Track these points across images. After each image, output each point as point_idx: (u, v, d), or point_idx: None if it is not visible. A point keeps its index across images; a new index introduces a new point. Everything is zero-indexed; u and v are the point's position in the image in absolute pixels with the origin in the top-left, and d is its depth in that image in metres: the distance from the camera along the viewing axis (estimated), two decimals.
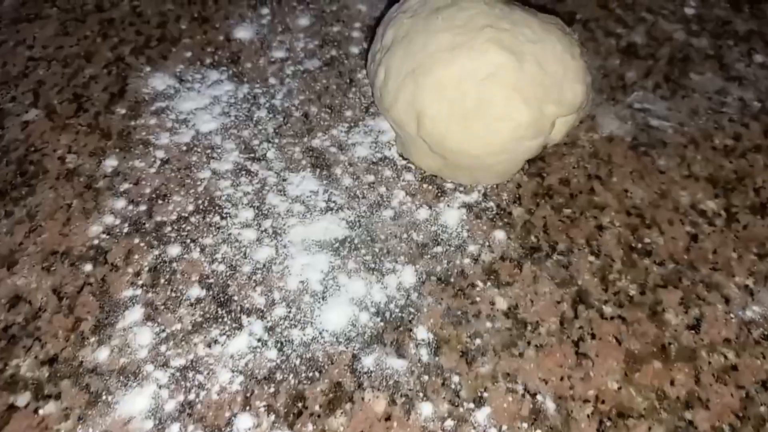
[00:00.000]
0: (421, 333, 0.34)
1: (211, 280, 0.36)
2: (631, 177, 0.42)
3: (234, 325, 0.34)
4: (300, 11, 0.53)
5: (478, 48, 0.37)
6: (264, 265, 0.37)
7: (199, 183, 0.41)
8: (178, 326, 0.34)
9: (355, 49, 0.50)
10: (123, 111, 0.45)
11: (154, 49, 0.49)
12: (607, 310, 0.36)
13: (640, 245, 0.39)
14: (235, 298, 0.36)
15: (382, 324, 0.35)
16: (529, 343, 0.34)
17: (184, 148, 0.43)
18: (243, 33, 0.50)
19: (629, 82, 0.48)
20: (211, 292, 0.36)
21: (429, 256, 0.38)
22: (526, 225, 0.39)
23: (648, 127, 0.45)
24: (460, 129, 0.37)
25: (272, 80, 0.47)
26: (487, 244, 0.38)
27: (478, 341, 0.34)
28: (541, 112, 0.37)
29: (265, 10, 0.53)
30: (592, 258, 0.38)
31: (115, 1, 0.54)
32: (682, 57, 0.50)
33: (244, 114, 0.45)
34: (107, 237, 0.38)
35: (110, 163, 0.42)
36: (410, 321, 0.35)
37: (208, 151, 0.42)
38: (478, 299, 0.36)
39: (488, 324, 0.35)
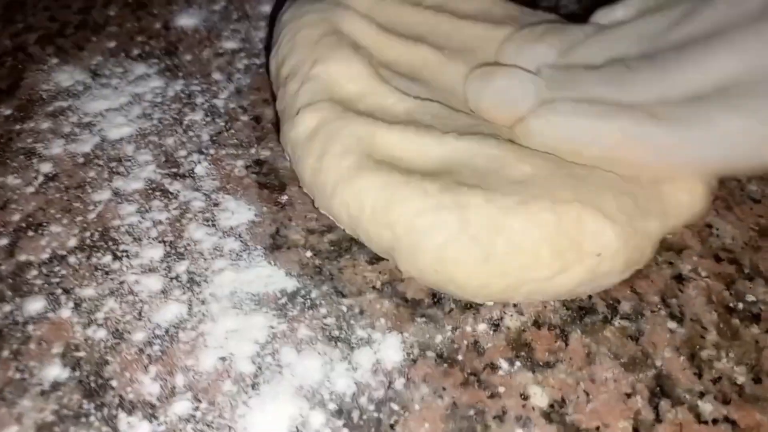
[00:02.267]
0: None
1: (82, 354, 0.23)
2: (713, 206, 0.29)
3: (104, 429, 0.21)
4: None
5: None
6: (167, 332, 0.24)
7: (91, 208, 0.28)
8: (14, 429, 0.21)
9: None
10: (8, 112, 0.33)
11: (69, 39, 0.38)
12: (706, 407, 0.22)
13: (741, 305, 0.26)
14: (114, 383, 0.22)
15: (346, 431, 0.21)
16: None
17: (81, 160, 0.30)
18: (186, 20, 0.39)
19: None
20: (78, 373, 0.23)
21: (424, 318, 0.25)
22: None
23: None
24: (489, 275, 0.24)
25: (217, 75, 0.35)
26: (512, 301, 0.25)
27: None
28: (635, 231, 0.24)
29: None
30: (672, 324, 0.25)
31: None
32: None
33: (171, 117, 0.32)
34: None
35: None
36: (392, 426, 0.22)
37: (114, 164, 0.30)
38: (501, 389, 0.23)
39: None
